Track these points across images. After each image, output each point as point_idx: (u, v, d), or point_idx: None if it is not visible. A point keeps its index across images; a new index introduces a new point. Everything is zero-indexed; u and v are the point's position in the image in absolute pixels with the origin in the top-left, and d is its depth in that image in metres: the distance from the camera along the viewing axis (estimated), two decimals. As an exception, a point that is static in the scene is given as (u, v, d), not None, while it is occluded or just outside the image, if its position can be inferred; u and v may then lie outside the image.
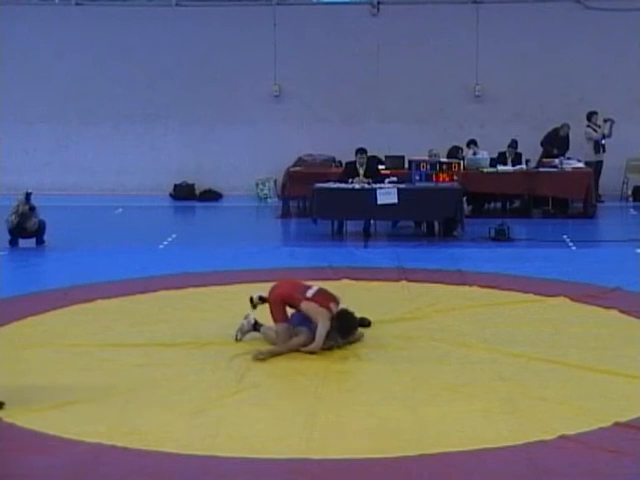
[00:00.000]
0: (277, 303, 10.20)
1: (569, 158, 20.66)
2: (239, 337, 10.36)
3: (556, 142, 21.42)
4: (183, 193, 22.91)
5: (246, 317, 10.47)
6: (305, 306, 10.03)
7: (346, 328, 10.01)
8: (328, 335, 9.92)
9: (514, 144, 20.51)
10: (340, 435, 7.82)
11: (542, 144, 21.50)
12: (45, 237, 16.46)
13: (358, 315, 10.42)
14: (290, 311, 10.24)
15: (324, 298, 10.17)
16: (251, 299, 10.56)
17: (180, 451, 7.46)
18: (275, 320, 10.19)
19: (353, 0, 23.52)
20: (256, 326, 10.39)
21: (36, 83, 22.93)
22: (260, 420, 8.13)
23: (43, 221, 16.51)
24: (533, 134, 21.75)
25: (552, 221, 19.32)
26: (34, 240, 16.41)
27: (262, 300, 10.49)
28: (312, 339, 9.91)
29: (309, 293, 10.17)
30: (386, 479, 7.15)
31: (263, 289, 10.60)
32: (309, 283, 10.46)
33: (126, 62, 22.95)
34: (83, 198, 22.41)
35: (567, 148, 21.38)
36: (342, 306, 10.23)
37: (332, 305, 10.11)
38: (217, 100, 22.96)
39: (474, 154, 20.21)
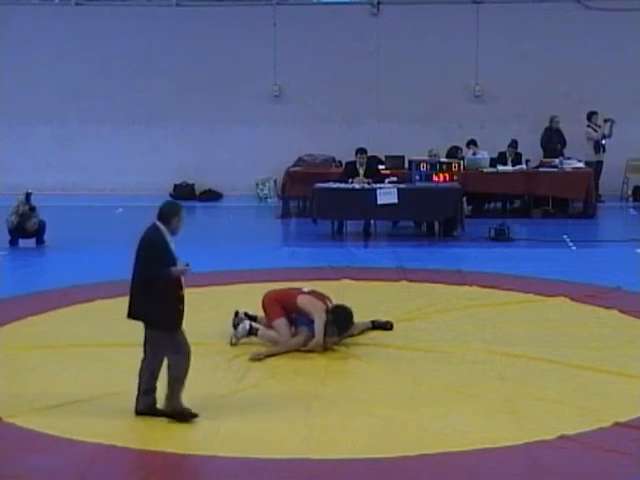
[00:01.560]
0: (272, 302, 10.25)
1: (569, 158, 20.65)
2: (234, 341, 10.33)
3: (555, 138, 21.40)
4: (183, 193, 22.89)
5: (239, 322, 10.44)
6: (301, 300, 10.10)
7: (342, 320, 10.03)
8: (326, 331, 9.93)
9: (514, 144, 20.50)
10: (340, 435, 7.82)
11: (542, 146, 21.44)
12: (45, 237, 16.45)
13: (383, 319, 10.81)
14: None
15: (318, 294, 10.30)
16: (236, 313, 10.55)
17: (180, 451, 7.47)
18: (271, 319, 10.21)
19: (353, 0, 23.52)
20: (252, 330, 10.36)
21: (36, 83, 22.91)
22: (260, 420, 8.14)
23: (43, 221, 16.50)
24: (533, 134, 21.73)
25: (552, 221, 19.31)
26: (34, 240, 16.41)
27: (248, 317, 10.48)
28: (312, 338, 9.93)
29: (304, 290, 10.31)
30: (386, 479, 7.15)
31: (263, 289, 10.61)
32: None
33: (126, 62, 22.93)
34: (83, 198, 22.40)
35: (565, 141, 21.39)
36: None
37: (327, 301, 10.22)
38: (217, 100, 22.95)
39: (474, 154, 20.20)
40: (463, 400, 8.58)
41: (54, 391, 8.84)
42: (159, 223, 8.12)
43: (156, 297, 7.96)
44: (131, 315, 8.22)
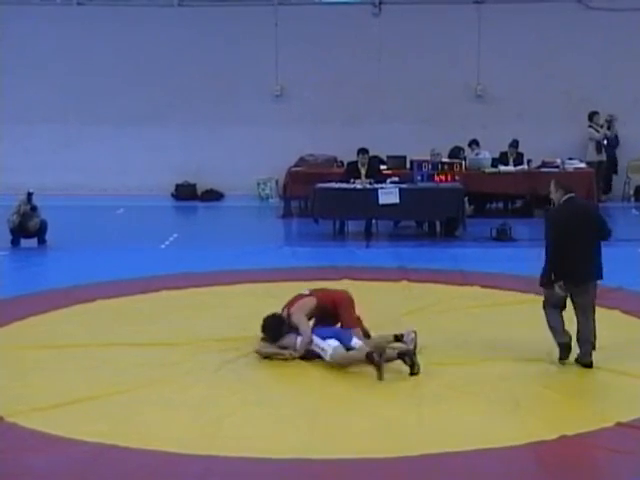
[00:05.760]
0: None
1: (571, 158, 20.64)
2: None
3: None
4: (185, 193, 22.91)
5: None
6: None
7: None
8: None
9: (515, 144, 20.49)
10: (341, 435, 7.81)
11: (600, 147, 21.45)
12: (46, 237, 16.44)
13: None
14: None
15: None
16: None
17: (181, 450, 7.45)
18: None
19: (355, 0, 23.50)
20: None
21: (37, 83, 22.91)
22: (261, 420, 8.13)
23: (45, 221, 16.49)
24: (535, 134, 21.72)
25: (554, 221, 19.25)
26: (35, 240, 16.40)
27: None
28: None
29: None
30: (387, 479, 7.13)
31: (264, 289, 10.58)
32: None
33: (128, 62, 22.94)
34: (84, 198, 22.40)
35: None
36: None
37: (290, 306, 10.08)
38: (219, 100, 22.95)
39: (475, 154, 20.19)
40: (464, 400, 8.57)
41: (54, 391, 8.82)
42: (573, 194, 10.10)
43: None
44: (590, 277, 9.41)
